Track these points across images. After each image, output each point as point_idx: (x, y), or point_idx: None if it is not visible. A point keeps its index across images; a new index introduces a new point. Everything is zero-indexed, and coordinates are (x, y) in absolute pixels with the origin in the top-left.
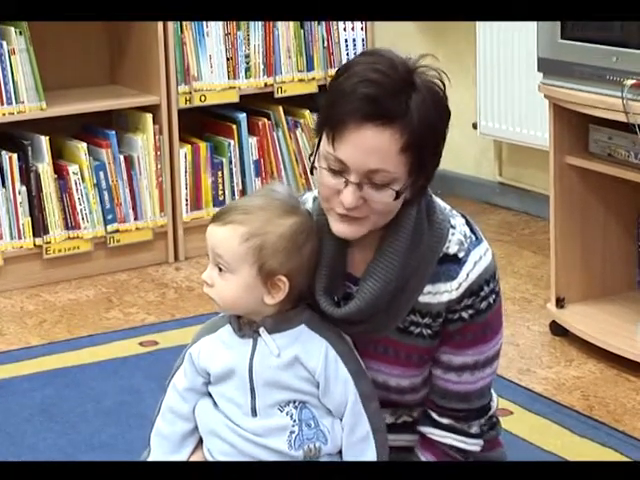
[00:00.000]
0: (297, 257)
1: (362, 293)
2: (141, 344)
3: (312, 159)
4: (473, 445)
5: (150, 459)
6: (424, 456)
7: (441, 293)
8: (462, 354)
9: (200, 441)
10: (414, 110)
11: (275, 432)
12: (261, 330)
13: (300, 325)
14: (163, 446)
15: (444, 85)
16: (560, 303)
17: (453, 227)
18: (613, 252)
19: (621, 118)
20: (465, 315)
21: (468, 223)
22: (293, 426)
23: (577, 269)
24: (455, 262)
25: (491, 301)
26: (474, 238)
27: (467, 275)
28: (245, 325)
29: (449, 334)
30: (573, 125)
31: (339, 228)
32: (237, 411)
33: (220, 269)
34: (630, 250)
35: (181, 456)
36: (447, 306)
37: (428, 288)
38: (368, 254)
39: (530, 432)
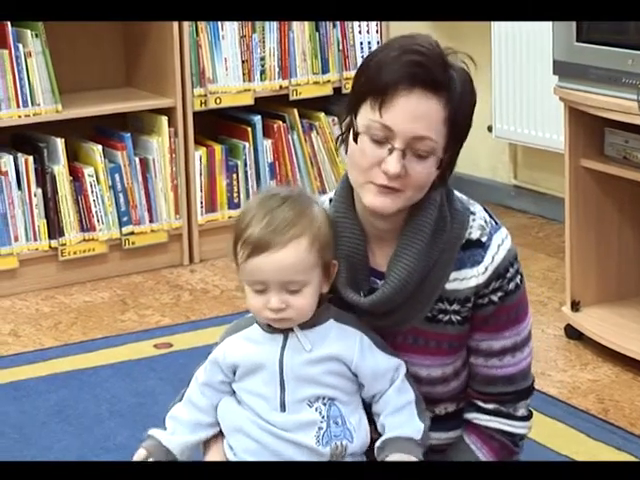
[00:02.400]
0: (334, 237)
1: (388, 281)
2: (155, 346)
3: (343, 138)
4: (520, 428)
5: (163, 435)
6: (470, 439)
7: (468, 278)
8: (500, 337)
9: (217, 439)
10: (456, 84)
11: (304, 427)
12: (294, 326)
13: (329, 320)
14: (177, 428)
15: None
16: (575, 306)
17: (473, 213)
18: (628, 255)
19: (637, 121)
20: (495, 298)
21: (485, 210)
22: (321, 422)
23: (592, 272)
24: (479, 247)
25: (518, 281)
26: (494, 223)
27: (492, 258)
28: None
29: (483, 319)
30: (588, 128)
31: (375, 201)
32: (265, 406)
33: (291, 290)
34: None
35: (193, 438)
36: (475, 291)
37: (454, 275)
38: (391, 248)
39: (545, 436)
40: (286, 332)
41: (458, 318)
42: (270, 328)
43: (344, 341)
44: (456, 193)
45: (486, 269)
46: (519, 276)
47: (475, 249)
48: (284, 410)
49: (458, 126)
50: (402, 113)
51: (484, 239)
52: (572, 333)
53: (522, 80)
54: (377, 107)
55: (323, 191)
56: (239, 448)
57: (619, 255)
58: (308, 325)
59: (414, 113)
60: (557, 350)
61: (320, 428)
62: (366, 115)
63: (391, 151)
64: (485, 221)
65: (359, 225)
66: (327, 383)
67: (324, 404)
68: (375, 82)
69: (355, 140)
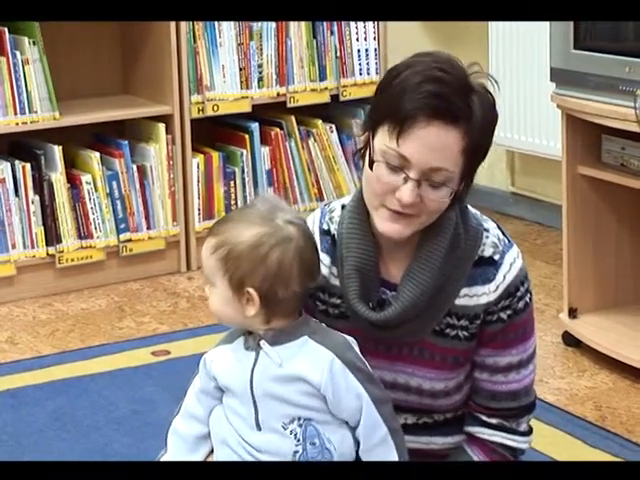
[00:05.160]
0: (262, 268)
1: (401, 297)
2: (153, 353)
3: (361, 153)
4: (522, 443)
5: (165, 457)
6: (472, 452)
7: (479, 295)
8: (507, 354)
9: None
10: (477, 112)
11: (279, 453)
12: (262, 342)
13: (302, 337)
14: (179, 446)
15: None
16: (573, 313)
17: (487, 230)
18: (626, 262)
19: (634, 128)
20: (504, 316)
21: (499, 227)
22: (297, 445)
23: (590, 279)
24: (491, 264)
25: (527, 300)
26: (507, 241)
27: (504, 277)
28: (249, 338)
29: (490, 336)
30: (586, 135)
31: (387, 227)
32: (243, 424)
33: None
34: None
35: (195, 457)
36: (485, 308)
37: (464, 291)
38: (403, 260)
39: (542, 443)
40: (258, 349)
41: (466, 334)
42: (246, 344)
43: (313, 363)
44: (470, 208)
45: (497, 287)
46: (529, 295)
47: (487, 267)
48: (260, 429)
49: (476, 153)
50: (419, 144)
51: (497, 257)
52: (570, 340)
53: (519, 87)
54: (395, 135)
55: (320, 198)
56: (223, 460)
57: (616, 262)
58: (279, 341)
59: (432, 145)
60: (555, 357)
61: (296, 452)
62: (383, 140)
63: (406, 180)
64: (498, 238)
65: (371, 237)
66: (300, 404)
67: (300, 425)
68: (395, 108)
69: (371, 167)
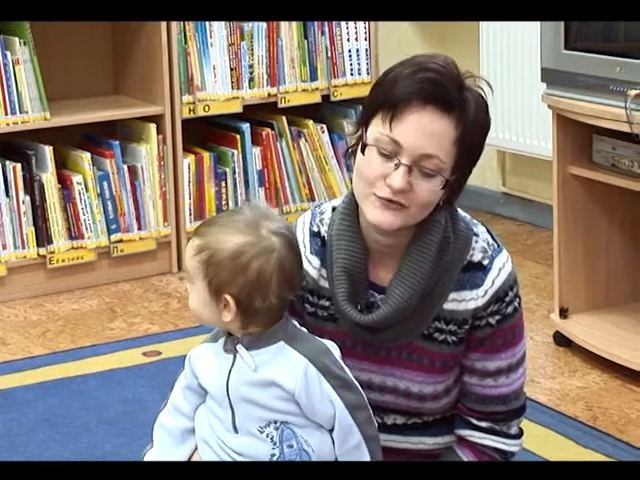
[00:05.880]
0: (241, 277)
1: (390, 300)
2: (144, 354)
3: (352, 150)
4: (513, 446)
5: (151, 451)
6: (463, 453)
7: (467, 300)
8: (496, 359)
9: None
10: (470, 106)
11: (256, 456)
12: (238, 346)
13: (278, 342)
14: (165, 440)
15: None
16: (564, 313)
17: (476, 235)
18: (617, 262)
19: (625, 128)
20: (492, 321)
21: (488, 231)
22: (274, 449)
23: (581, 279)
24: (480, 269)
25: (516, 305)
26: (496, 246)
27: (493, 282)
28: (229, 340)
29: (479, 340)
30: (577, 135)
31: (377, 215)
32: (221, 427)
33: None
34: (634, 260)
35: (182, 451)
36: (473, 313)
37: (453, 295)
38: (392, 263)
39: (534, 443)
40: (235, 353)
41: (454, 339)
42: (225, 346)
43: (288, 369)
44: (460, 212)
45: (486, 292)
46: (517, 299)
47: (476, 272)
48: (237, 432)
49: (468, 149)
50: (412, 129)
51: (485, 262)
52: (561, 340)
53: (510, 87)
54: (388, 120)
55: (312, 198)
56: (205, 459)
57: (607, 262)
58: (255, 345)
59: (424, 131)
60: (546, 357)
61: (273, 455)
62: (376, 128)
63: (397, 166)
64: (488, 243)
65: (361, 240)
66: (275, 408)
67: (276, 429)
68: (388, 96)
69: (363, 151)
